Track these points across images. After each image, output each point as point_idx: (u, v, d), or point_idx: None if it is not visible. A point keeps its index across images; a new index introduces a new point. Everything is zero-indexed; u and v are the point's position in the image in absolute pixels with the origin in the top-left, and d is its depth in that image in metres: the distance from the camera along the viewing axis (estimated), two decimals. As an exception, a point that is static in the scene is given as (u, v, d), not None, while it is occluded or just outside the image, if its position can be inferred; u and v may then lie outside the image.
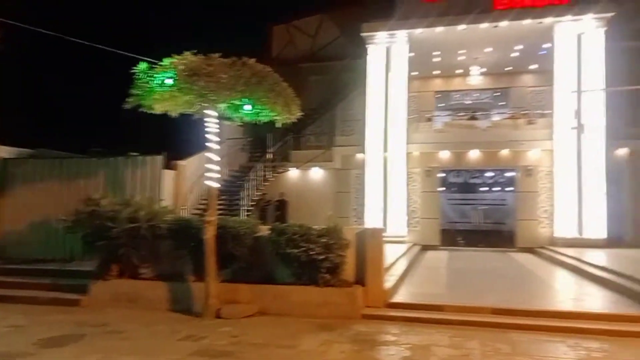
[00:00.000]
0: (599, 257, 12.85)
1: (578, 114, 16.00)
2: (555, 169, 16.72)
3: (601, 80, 16.06)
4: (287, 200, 19.10)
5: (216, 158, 8.14)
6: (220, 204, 16.90)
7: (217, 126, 8.19)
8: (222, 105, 8.03)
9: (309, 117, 20.66)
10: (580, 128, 16.02)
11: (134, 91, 7.50)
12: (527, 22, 16.49)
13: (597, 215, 15.89)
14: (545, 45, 17.73)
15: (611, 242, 15.81)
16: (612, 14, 15.94)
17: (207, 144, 8.16)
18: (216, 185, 8.19)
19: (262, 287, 7.99)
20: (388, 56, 18.16)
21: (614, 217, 16.24)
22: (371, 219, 17.52)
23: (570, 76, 16.47)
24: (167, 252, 8.67)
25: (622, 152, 17.24)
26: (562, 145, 16.51)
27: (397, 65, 18.10)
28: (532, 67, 20.01)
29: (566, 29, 16.57)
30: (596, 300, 8.73)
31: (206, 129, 8.18)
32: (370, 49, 18.28)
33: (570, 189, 16.24)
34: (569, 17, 16.29)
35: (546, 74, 18.21)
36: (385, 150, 17.96)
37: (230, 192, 17.81)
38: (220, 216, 8.51)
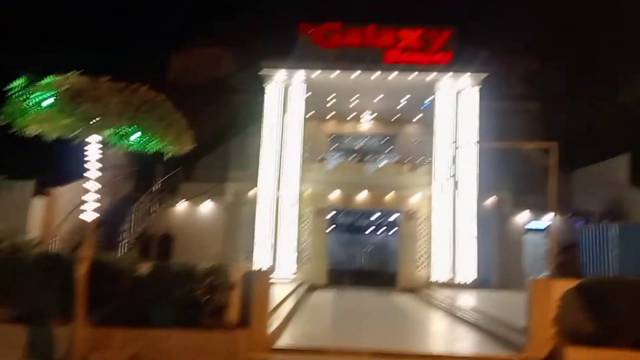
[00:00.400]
0: (469, 299, 13.82)
1: (454, 164, 17.35)
2: (434, 215, 17.92)
3: (475, 135, 17.74)
4: (174, 235, 18.20)
5: (95, 187, 7.53)
6: (97, 238, 15.71)
7: (100, 153, 7.62)
8: (107, 132, 7.52)
9: (203, 148, 20.18)
10: (455, 178, 17.40)
11: (5, 109, 6.75)
12: (413, 76, 17.88)
13: (469, 259, 17.22)
14: (428, 99, 19.27)
15: (480, 284, 17.16)
16: (486, 74, 17.84)
17: (87, 171, 7.54)
18: (93, 217, 7.55)
19: (138, 331, 7.39)
20: (285, 95, 18.50)
21: (483, 261, 17.70)
22: (261, 258, 17.33)
23: (449, 129, 18.03)
24: (29, 290, 7.72)
25: (491, 201, 19.00)
26: (440, 192, 17.80)
27: (293, 104, 18.51)
28: (417, 117, 21.61)
29: (446, 86, 18.20)
30: (465, 341, 9.31)
31: (87, 155, 7.58)
32: (268, 86, 18.53)
33: (445, 234, 17.48)
34: (448, 74, 17.96)
35: (429, 124, 19.73)
36: (278, 188, 18.03)
37: (110, 224, 16.54)
38: (96, 251, 7.83)
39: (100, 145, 7.55)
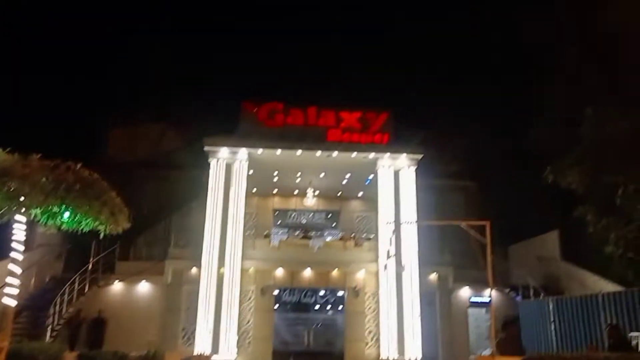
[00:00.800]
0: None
1: (393, 243, 17.27)
2: (381, 292, 17.78)
3: (414, 212, 18.15)
4: (106, 319, 17.05)
5: (19, 270, 7.05)
6: (20, 324, 14.46)
7: (28, 232, 7.23)
8: (35, 211, 7.19)
9: (142, 225, 19.56)
10: (396, 256, 17.44)
11: None
12: (354, 155, 18.39)
13: (414, 336, 17.03)
14: (370, 177, 19.80)
15: (428, 361, 16.91)
16: (421, 155, 18.59)
17: (12, 252, 7.09)
18: (13, 303, 6.99)
19: None
20: (229, 172, 18.38)
21: (429, 337, 17.57)
22: (202, 341, 16.41)
23: (390, 207, 18.37)
24: None
25: (433, 277, 19.21)
26: (385, 269, 17.80)
27: (237, 181, 18.38)
28: (360, 194, 22.07)
29: (386, 165, 18.77)
30: None
31: (13, 236, 7.16)
32: (212, 163, 18.44)
33: (392, 311, 17.32)
34: (387, 154, 18.60)
35: (371, 201, 20.14)
36: (221, 265, 17.47)
37: (35, 308, 15.38)
38: (17, 340, 7.19)
39: (25, 227, 7.18)
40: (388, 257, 16.13)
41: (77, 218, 7.38)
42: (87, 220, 7.48)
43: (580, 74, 14.20)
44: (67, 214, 7.27)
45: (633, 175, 11.74)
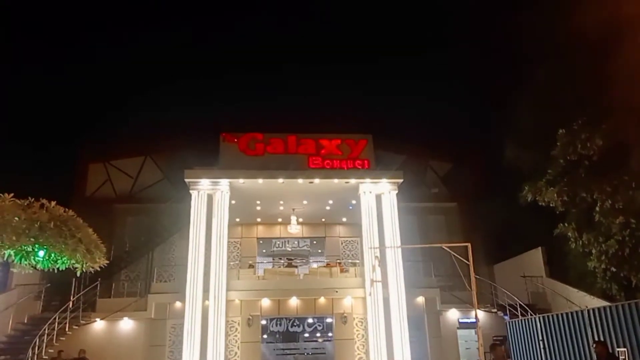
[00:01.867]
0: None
1: (378, 268, 17.13)
2: (368, 317, 17.57)
3: (397, 235, 18.09)
4: (89, 358, 16.57)
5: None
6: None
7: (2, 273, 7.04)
8: (9, 251, 7.01)
9: (122, 260, 19.23)
10: (383, 279, 17.30)
11: None
12: (336, 180, 18.37)
13: (404, 360, 16.82)
14: (352, 202, 19.79)
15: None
16: (401, 180, 18.61)
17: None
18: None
19: None
20: (211, 203, 18.20)
21: (420, 360, 17.40)
22: (187, 376, 15.99)
23: (374, 231, 18.30)
24: None
25: (420, 300, 19.10)
26: (372, 294, 17.64)
27: (219, 212, 18.21)
28: (344, 219, 22.01)
29: (367, 190, 18.75)
30: None
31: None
32: (193, 194, 18.27)
33: (381, 336, 17.10)
34: (368, 179, 18.60)
35: (355, 226, 20.09)
36: (205, 298, 17.16)
37: (14, 351, 14.88)
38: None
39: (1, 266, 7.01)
40: (373, 283, 16.00)
41: (52, 257, 7.22)
42: (63, 259, 7.31)
43: (553, 94, 14.50)
44: (41, 253, 7.10)
45: (608, 192, 11.96)
